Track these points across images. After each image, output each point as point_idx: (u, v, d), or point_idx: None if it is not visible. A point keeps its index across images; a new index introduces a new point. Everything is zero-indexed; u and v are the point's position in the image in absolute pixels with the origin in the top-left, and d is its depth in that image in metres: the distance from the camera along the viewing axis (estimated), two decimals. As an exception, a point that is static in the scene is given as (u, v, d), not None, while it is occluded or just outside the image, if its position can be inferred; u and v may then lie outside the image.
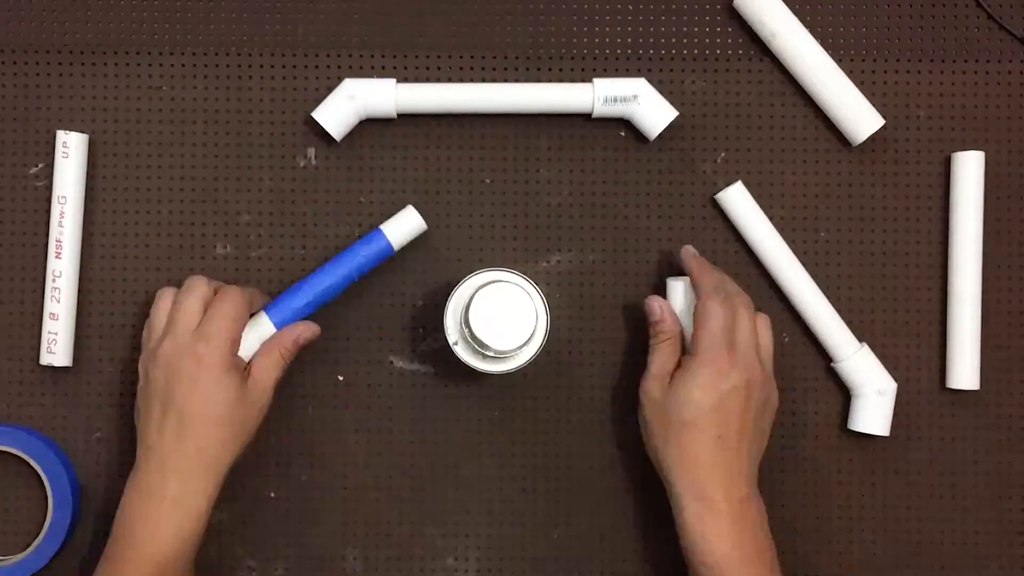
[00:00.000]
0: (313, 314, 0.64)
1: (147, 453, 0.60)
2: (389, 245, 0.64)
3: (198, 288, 0.62)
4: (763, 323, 0.63)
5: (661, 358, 0.63)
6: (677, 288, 0.65)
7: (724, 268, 0.68)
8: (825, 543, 0.68)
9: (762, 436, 0.62)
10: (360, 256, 0.64)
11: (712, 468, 0.59)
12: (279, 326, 0.63)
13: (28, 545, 0.66)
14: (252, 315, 0.63)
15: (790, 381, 0.68)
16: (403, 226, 0.65)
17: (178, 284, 0.63)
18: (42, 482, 0.66)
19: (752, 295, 0.68)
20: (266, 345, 0.62)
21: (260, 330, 0.63)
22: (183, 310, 0.61)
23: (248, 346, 0.62)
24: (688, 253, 0.65)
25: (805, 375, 0.68)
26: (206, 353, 0.59)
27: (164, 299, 0.62)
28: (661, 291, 0.66)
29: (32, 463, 0.65)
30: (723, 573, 0.58)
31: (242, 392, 0.60)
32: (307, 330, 0.64)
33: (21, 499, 0.67)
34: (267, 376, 0.62)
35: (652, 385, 0.62)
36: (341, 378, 0.68)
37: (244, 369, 0.61)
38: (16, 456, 0.66)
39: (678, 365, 0.62)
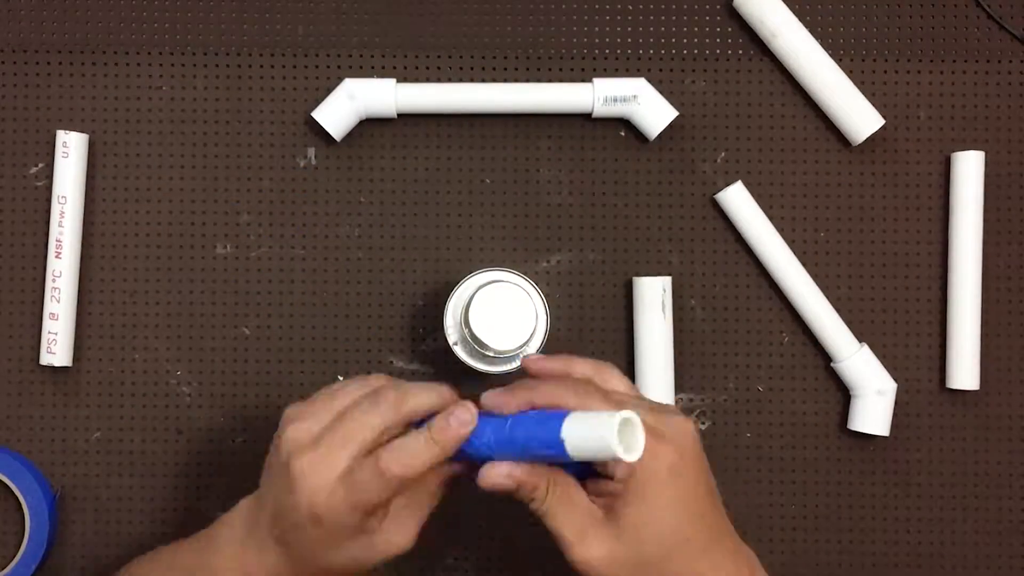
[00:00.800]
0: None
1: (229, 530, 0.52)
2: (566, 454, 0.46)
3: (367, 381, 0.50)
4: (615, 374, 0.53)
5: (566, 516, 0.48)
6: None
7: (724, 268, 0.68)
8: (825, 543, 0.68)
9: (708, 473, 0.51)
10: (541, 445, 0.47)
11: (715, 565, 0.49)
12: None
13: (4, 566, 0.66)
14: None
15: (790, 381, 0.68)
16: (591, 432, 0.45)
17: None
18: (18, 501, 0.65)
19: (752, 295, 0.68)
20: (412, 496, 0.50)
21: None
22: (330, 400, 0.49)
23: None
24: (528, 362, 0.52)
25: (805, 375, 0.68)
26: (307, 467, 0.47)
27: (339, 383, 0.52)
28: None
29: (7, 482, 0.65)
30: None
31: (342, 537, 0.48)
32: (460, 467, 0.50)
33: None
34: (407, 538, 0.50)
35: (583, 552, 0.48)
36: (341, 378, 0.68)
37: (379, 514, 0.49)
38: None
39: (594, 499, 0.49)
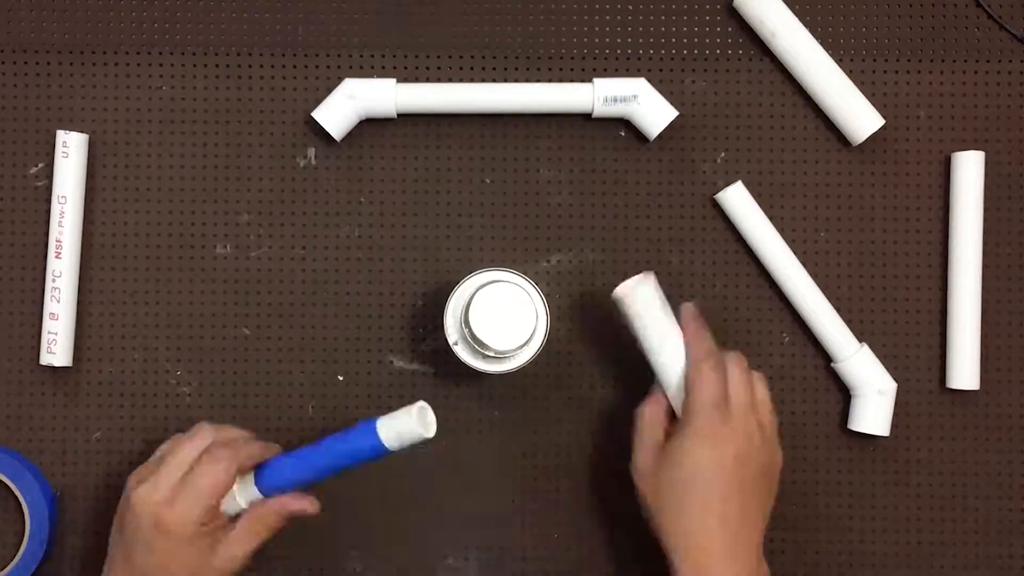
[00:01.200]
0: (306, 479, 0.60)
1: None
2: (382, 445, 0.57)
3: (199, 438, 0.59)
4: (759, 381, 0.61)
5: (648, 430, 0.60)
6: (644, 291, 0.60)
7: (724, 268, 0.68)
8: (825, 543, 0.68)
9: (767, 499, 0.59)
10: (354, 446, 0.58)
11: (712, 543, 0.56)
12: (266, 492, 0.59)
13: (4, 565, 0.66)
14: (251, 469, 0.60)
15: (790, 381, 0.68)
16: (400, 426, 0.56)
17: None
18: (18, 501, 0.66)
19: (752, 295, 0.68)
20: (250, 515, 0.58)
21: (248, 493, 0.59)
22: (173, 460, 0.58)
23: (233, 506, 0.59)
24: (689, 313, 0.61)
25: (805, 375, 0.68)
26: (171, 520, 0.56)
27: (169, 442, 0.60)
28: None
29: (7, 482, 0.65)
30: None
31: (204, 560, 0.57)
32: (298, 504, 0.59)
33: None
34: (238, 549, 0.58)
35: (641, 460, 0.59)
36: (341, 378, 0.68)
37: (223, 527, 0.58)
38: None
39: (667, 435, 0.59)
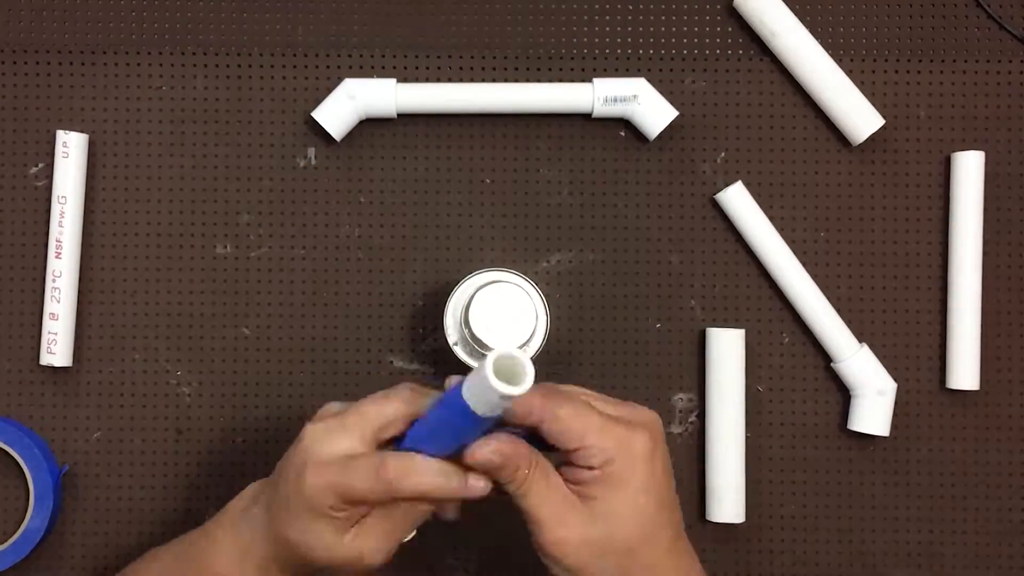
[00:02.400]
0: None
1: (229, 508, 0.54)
2: (478, 417, 0.46)
3: (399, 394, 0.50)
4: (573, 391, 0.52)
5: (542, 497, 0.48)
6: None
7: (724, 268, 0.68)
8: (825, 543, 0.68)
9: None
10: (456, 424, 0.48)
11: (676, 562, 0.50)
12: None
13: (10, 534, 0.66)
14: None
15: (790, 381, 0.68)
16: (480, 390, 0.45)
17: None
18: (22, 470, 0.66)
19: (752, 295, 0.68)
20: (385, 514, 0.50)
21: None
22: (365, 405, 0.50)
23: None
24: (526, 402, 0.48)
25: (805, 375, 0.68)
26: (321, 450, 0.49)
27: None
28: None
29: (9, 451, 0.65)
30: None
31: (328, 543, 0.49)
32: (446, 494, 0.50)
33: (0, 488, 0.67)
34: (367, 551, 0.50)
35: (557, 534, 0.48)
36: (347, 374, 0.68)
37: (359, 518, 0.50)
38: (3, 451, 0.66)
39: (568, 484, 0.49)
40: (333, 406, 0.53)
